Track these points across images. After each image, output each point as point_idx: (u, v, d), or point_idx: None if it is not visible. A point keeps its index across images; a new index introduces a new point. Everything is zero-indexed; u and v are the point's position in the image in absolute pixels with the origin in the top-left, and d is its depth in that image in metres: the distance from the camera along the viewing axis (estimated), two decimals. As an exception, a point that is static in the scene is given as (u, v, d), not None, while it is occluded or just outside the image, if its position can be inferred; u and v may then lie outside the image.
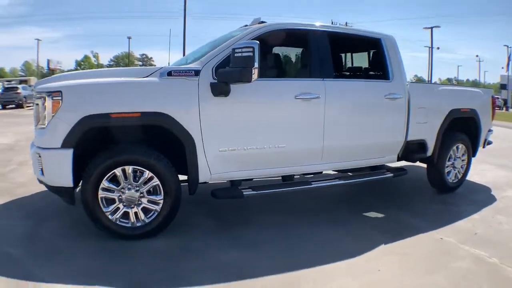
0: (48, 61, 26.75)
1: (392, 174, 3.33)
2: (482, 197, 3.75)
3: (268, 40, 2.94)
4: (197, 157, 2.47)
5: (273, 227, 2.75)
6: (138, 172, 2.40)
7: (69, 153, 2.25)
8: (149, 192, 2.45)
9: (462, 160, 3.89)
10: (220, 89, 2.40)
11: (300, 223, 2.86)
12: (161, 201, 2.46)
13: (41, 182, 2.48)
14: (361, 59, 4.07)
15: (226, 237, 2.56)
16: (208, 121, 2.46)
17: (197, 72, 2.47)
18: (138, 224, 2.46)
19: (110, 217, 2.39)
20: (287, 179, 2.97)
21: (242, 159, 2.63)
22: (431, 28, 34.47)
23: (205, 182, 2.63)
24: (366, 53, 3.93)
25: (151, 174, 2.40)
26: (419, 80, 43.68)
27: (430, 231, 2.76)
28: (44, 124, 2.30)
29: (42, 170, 2.34)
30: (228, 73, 2.36)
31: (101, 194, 2.36)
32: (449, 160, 3.74)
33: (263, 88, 2.67)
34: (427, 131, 3.48)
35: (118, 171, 2.35)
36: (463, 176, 3.95)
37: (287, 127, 2.74)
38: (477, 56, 66.49)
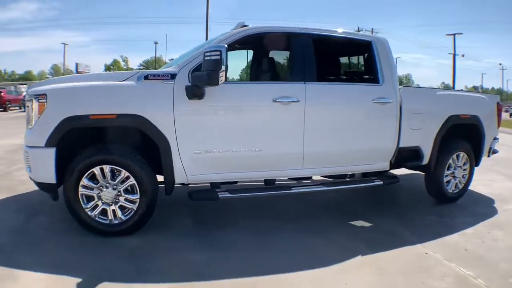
0: (77, 64, 27.94)
1: (381, 182, 3.22)
2: (483, 209, 3.53)
3: (249, 43, 2.98)
4: (172, 159, 2.53)
5: (251, 231, 2.75)
6: (115, 171, 2.50)
7: (52, 151, 2.39)
8: (126, 191, 2.54)
9: (464, 169, 3.69)
10: (193, 92, 2.46)
11: (280, 228, 2.83)
12: (138, 200, 2.53)
13: (30, 178, 2.65)
14: (355, 63, 4.01)
15: (201, 238, 2.59)
16: (183, 124, 2.52)
17: (173, 76, 2.55)
18: (116, 222, 2.55)
19: (89, 213, 2.51)
20: (269, 183, 2.96)
21: (218, 162, 2.66)
22: (453, 35, 33.27)
23: (184, 184, 2.69)
24: (360, 56, 3.87)
25: (127, 174, 2.49)
26: (446, 87, 41.91)
27: (416, 244, 2.62)
28: (32, 125, 2.46)
29: (30, 167, 2.51)
30: (199, 76, 2.42)
31: (81, 191, 2.48)
32: (448, 169, 3.56)
33: (240, 90, 2.70)
34: (422, 138, 3.34)
35: (96, 170, 2.46)
36: (465, 186, 3.75)
37: (264, 131, 2.75)
38: (500, 64, 63.12)
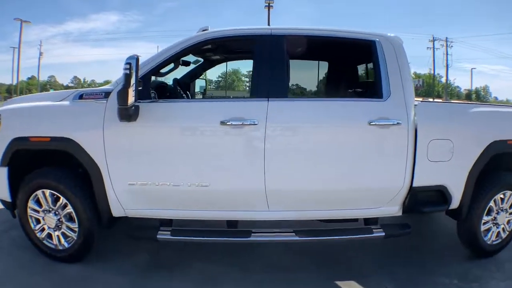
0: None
1: (383, 233, 2.31)
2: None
3: (206, 52, 2.42)
4: (105, 189, 2.25)
5: (199, 278, 2.28)
6: (55, 196, 2.37)
7: (4, 170, 2.40)
8: (69, 218, 2.40)
9: (510, 214, 2.56)
10: (120, 112, 2.08)
11: (238, 280, 2.27)
12: (77, 229, 2.36)
13: None
14: (349, 71, 2.94)
15: (140, 275, 2.30)
16: (114, 149, 2.20)
17: (107, 94, 2.25)
18: (61, 248, 2.44)
19: (38, 235, 2.47)
20: (231, 225, 2.38)
21: (156, 196, 2.26)
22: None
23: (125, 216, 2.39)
24: (357, 62, 2.81)
25: (65, 200, 2.34)
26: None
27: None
28: None
29: None
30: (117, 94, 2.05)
31: (29, 212, 2.44)
32: (488, 214, 2.49)
33: (180, 111, 2.22)
34: (450, 173, 2.32)
35: (39, 193, 2.38)
36: (510, 234, 2.60)
37: (210, 162, 2.21)
38: None
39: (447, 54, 35.60)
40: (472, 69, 55.42)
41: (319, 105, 2.32)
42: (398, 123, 2.19)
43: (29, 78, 54.26)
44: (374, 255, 2.65)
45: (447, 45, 35.97)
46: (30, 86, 47.95)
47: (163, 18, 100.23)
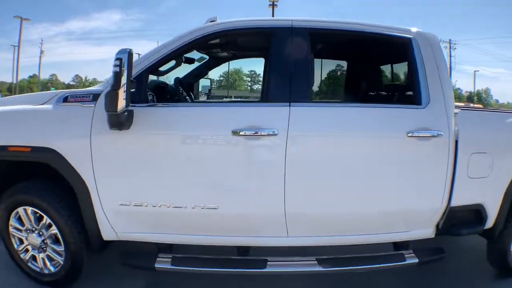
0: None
1: (417, 259, 2.01)
2: None
3: (213, 47, 2.08)
4: (94, 209, 1.92)
5: None
6: (38, 214, 2.05)
7: None
8: (54, 240, 2.07)
9: None
10: (111, 120, 1.74)
11: None
12: (63, 253, 2.04)
13: None
14: (384, 73, 2.61)
15: None
16: (103, 163, 1.86)
17: (95, 96, 1.91)
18: (46, 271, 2.13)
19: (22, 256, 2.16)
20: (242, 252, 2.05)
21: (154, 219, 1.93)
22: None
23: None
24: (391, 62, 2.49)
25: (49, 220, 2.01)
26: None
27: None
28: None
29: None
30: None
31: (11, 231, 2.14)
32: None
33: (183, 117, 1.88)
34: (488, 191, 2.05)
35: (21, 211, 2.06)
36: None
37: (219, 179, 1.87)
38: None
39: (450, 56, 35.04)
40: (475, 71, 55.17)
41: (352, 112, 1.96)
42: (438, 134, 1.88)
43: (30, 77, 54.14)
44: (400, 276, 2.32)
45: (450, 47, 35.46)
46: (31, 85, 47.81)
47: (165, 17, 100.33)
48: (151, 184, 1.87)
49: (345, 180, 1.89)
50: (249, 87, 53.19)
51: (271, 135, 1.80)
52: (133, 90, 1.77)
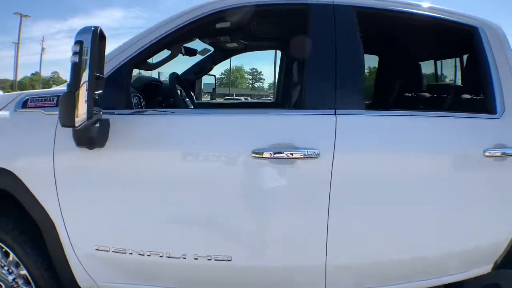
0: (159, 73, 31.15)
1: None
2: None
3: (220, 35, 1.54)
4: (64, 251, 1.38)
5: None
6: (4, 249, 1.54)
7: None
8: (26, 281, 1.55)
9: None
10: (77, 136, 1.18)
11: None
12: (34, 297, 1.52)
13: None
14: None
15: None
16: (70, 191, 1.30)
17: None
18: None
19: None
20: None
21: (145, 269, 1.36)
22: None
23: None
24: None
25: (16, 258, 1.49)
26: None
27: None
28: None
29: None
30: None
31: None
32: None
33: (182, 129, 1.30)
34: None
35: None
36: None
37: (234, 220, 1.30)
38: None
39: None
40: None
41: (420, 122, 1.40)
42: None
43: (33, 74, 54.01)
44: None
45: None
46: (33, 82, 47.71)
47: (167, 14, 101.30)
48: (136, 223, 1.30)
49: (410, 217, 1.35)
50: (250, 85, 52.60)
51: (310, 157, 1.22)
52: (107, 90, 1.22)
